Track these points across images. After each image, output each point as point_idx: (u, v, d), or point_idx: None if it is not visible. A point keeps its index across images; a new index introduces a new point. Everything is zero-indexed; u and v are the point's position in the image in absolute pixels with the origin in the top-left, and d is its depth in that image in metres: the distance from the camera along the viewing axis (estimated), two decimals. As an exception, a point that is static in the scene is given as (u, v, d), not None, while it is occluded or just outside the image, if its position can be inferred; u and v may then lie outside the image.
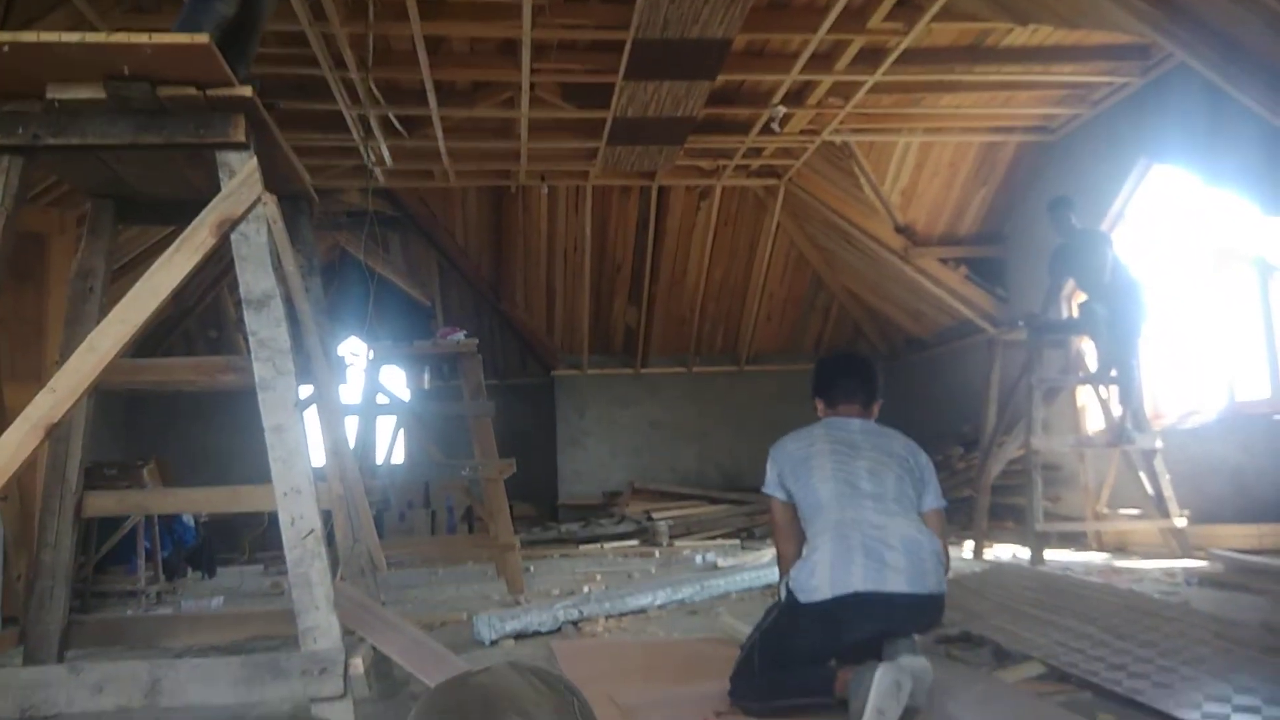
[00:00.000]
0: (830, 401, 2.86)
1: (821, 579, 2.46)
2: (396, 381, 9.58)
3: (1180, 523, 5.47)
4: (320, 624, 2.18)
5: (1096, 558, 5.69)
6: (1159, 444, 5.62)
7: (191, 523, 6.43)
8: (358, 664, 2.21)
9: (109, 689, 2.07)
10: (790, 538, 2.74)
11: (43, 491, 2.80)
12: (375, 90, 5.89)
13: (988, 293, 8.21)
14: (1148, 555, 5.60)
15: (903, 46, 5.71)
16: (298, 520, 2.21)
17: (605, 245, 9.13)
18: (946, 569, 2.60)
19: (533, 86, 6.01)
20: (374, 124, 6.35)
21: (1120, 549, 5.99)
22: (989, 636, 3.19)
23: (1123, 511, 6.08)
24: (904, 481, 2.64)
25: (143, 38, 2.14)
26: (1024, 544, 5.73)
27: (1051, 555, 5.57)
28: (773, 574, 5.24)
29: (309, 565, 2.20)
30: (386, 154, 6.86)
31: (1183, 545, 5.44)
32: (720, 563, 6.36)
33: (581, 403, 10.16)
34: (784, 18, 5.52)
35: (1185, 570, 4.81)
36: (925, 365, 9.59)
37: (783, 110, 6.53)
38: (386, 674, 2.92)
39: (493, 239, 9.39)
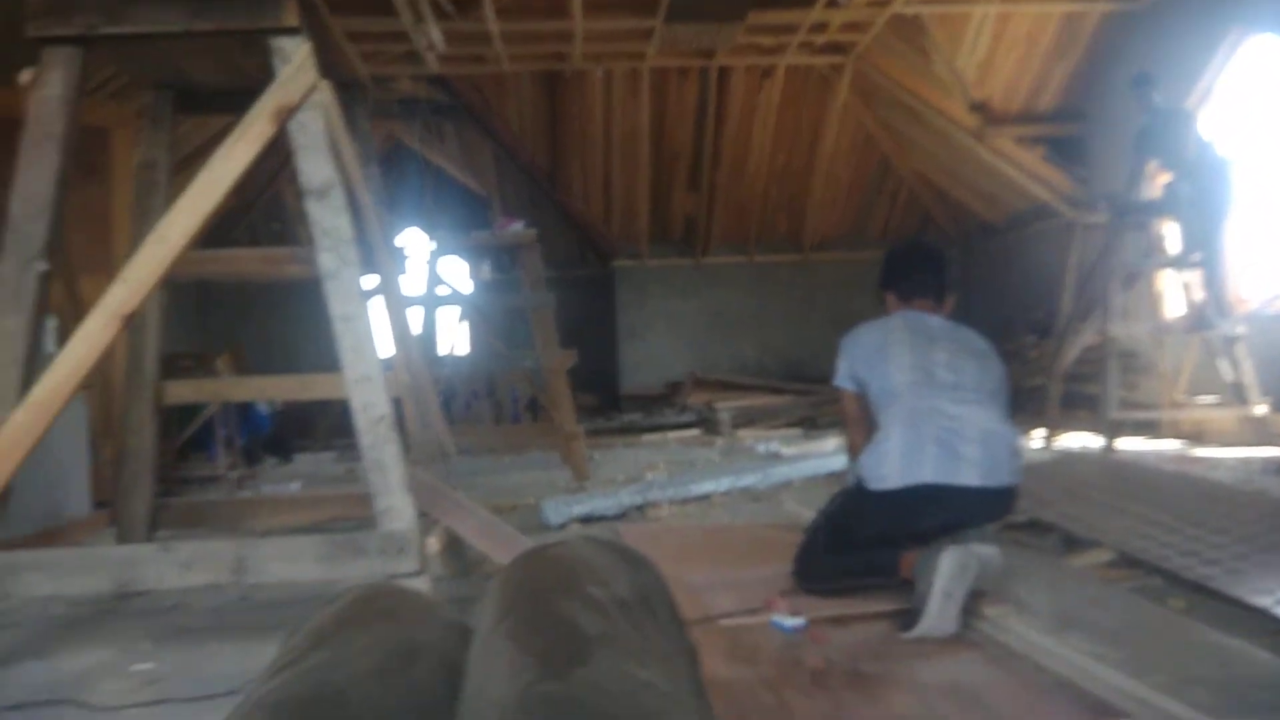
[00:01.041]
0: (904, 295, 2.74)
1: (891, 468, 2.42)
2: (457, 273, 9.64)
3: (1260, 410, 5.31)
4: (396, 505, 2.24)
5: (1171, 446, 5.57)
6: (1241, 330, 5.40)
7: (266, 411, 6.65)
8: (433, 543, 2.29)
9: (197, 566, 2.17)
10: (861, 429, 2.69)
11: (124, 381, 2.90)
12: (425, -30, 5.73)
13: (1066, 173, 7.85)
14: (1225, 444, 5.46)
15: (982, -93, 5.34)
16: (369, 406, 2.25)
17: (663, 131, 8.92)
18: None
19: (587, -39, 5.79)
20: (425, 7, 6.19)
21: (1196, 437, 5.85)
22: (1057, 524, 3.16)
23: (1200, 399, 5.91)
24: (984, 372, 2.55)
25: (190, -82, 2.09)
26: (1096, 432, 5.63)
27: (1125, 444, 5.47)
28: (836, 462, 5.25)
29: (382, 449, 2.25)
30: (438, 38, 6.70)
31: (1261, 433, 5.28)
32: (783, 451, 6.40)
33: (641, 294, 10.12)
34: (854, -122, 5.18)
35: (1264, 459, 4.69)
36: (998, 251, 9.30)
37: (848, -19, 6.20)
38: (460, 555, 3.02)
39: (548, 127, 9.23)
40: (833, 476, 5.02)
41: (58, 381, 2.16)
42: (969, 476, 2.38)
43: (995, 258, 9.32)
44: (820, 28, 7.24)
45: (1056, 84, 7.69)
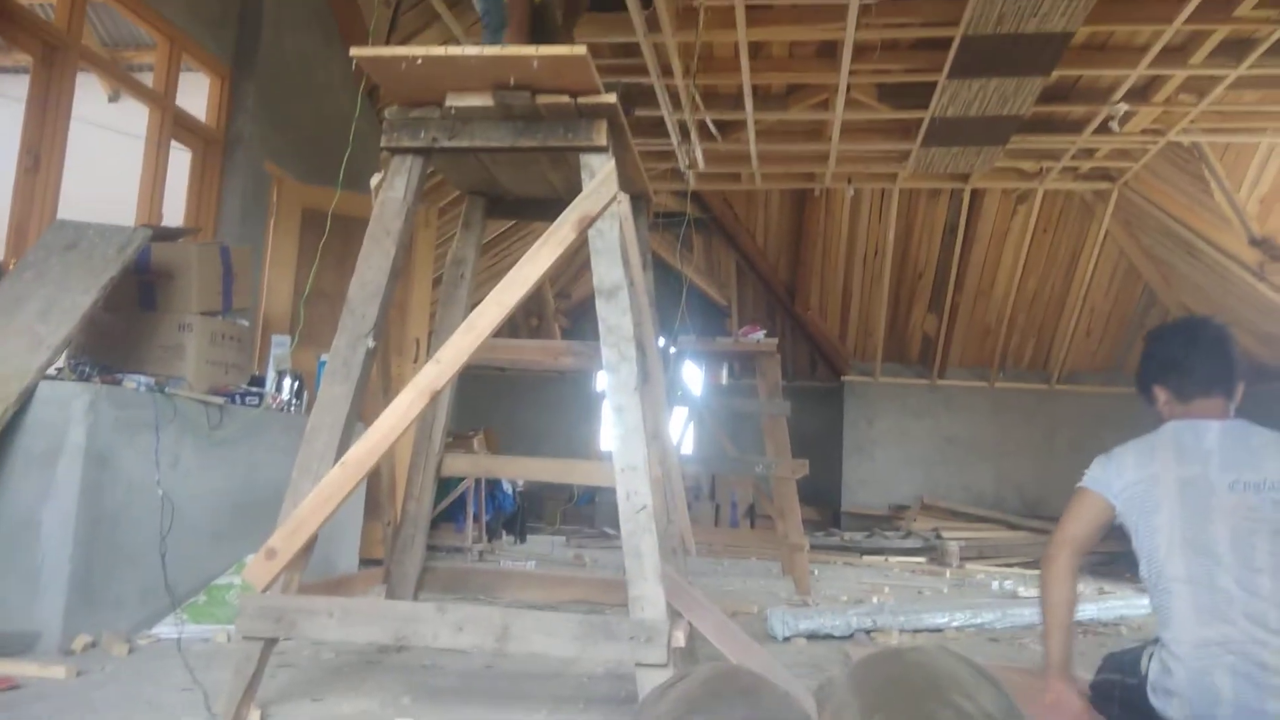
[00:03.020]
0: (1182, 394, 2.14)
1: (1175, 702, 1.97)
2: (692, 375, 9.90)
3: None
4: (648, 594, 2.32)
5: None
6: None
7: (511, 491, 7.05)
8: (679, 636, 2.33)
9: (468, 629, 2.32)
10: (1079, 543, 2.16)
11: (413, 450, 3.21)
12: (696, 96, 6.12)
13: (1366, 318, 7.07)
14: None
15: (1275, 37, 5.07)
16: (633, 495, 2.37)
17: (908, 250, 8.88)
18: None
19: (849, 88, 5.97)
20: (691, 128, 6.61)
21: None
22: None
23: None
24: None
25: (530, 51, 2.40)
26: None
27: None
28: (1082, 611, 4.83)
29: (640, 538, 2.35)
30: (700, 157, 7.11)
31: None
32: (1020, 591, 5.99)
33: (871, 411, 9.94)
34: (1134, 7, 5.08)
35: None
36: (1273, 397, 8.41)
37: (1124, 108, 6.01)
38: (691, 651, 3.06)
39: (792, 241, 9.43)
40: (1081, 626, 4.65)
41: (371, 445, 2.44)
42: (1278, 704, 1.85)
43: (1270, 404, 8.42)
44: (1087, 153, 7.03)
45: (1359, 220, 7.01)
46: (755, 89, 6.08)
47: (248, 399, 3.61)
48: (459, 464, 3.30)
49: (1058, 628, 2.18)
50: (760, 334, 5.89)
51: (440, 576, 3.30)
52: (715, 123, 6.63)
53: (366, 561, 4.53)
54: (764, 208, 9.23)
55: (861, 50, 5.55)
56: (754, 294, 10.30)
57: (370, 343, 2.56)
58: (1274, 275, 7.21)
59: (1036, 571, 7.41)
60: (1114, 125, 6.22)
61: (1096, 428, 9.06)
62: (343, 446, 2.49)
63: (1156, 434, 2.14)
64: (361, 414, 2.63)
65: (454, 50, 2.44)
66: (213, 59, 4.72)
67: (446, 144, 2.62)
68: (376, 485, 4.22)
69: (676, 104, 6.25)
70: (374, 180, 2.71)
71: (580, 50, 2.35)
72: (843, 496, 9.81)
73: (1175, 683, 1.96)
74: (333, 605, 2.39)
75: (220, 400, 3.49)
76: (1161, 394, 2.19)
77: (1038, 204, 8.07)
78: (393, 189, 2.66)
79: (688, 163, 7.08)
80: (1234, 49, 5.35)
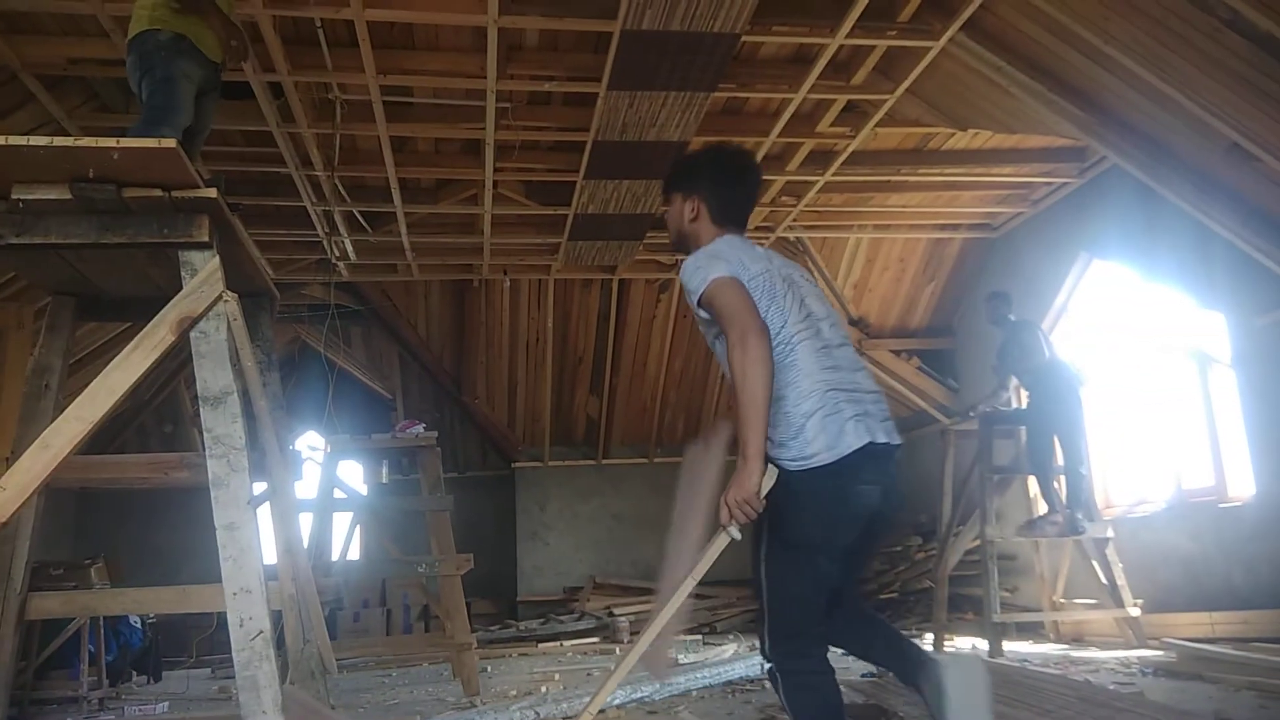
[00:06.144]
0: (724, 214, 2.41)
1: (815, 444, 2.19)
2: (354, 475, 9.46)
3: (1134, 612, 5.53)
4: (267, 728, 2.13)
5: (1054, 649, 5.70)
6: (1110, 533, 5.71)
7: (138, 624, 6.21)
8: (305, 770, 2.16)
9: (44, 800, 2.00)
10: (759, 318, 2.18)
11: (-15, 593, 2.73)
12: (340, 188, 6.00)
13: (940, 383, 8.40)
14: (1105, 645, 5.63)
15: (850, 149, 5.98)
16: (247, 621, 2.19)
17: (567, 337, 9.22)
18: None
19: (496, 184, 6.16)
20: (338, 220, 6.45)
21: (1078, 639, 6.02)
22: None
23: (1079, 601, 6.13)
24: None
25: (110, 142, 2.21)
26: (984, 635, 5.73)
27: (1010, 646, 5.58)
28: (734, 670, 5.15)
29: (257, 668, 2.17)
30: (350, 249, 6.94)
31: (1137, 635, 5.48)
32: (680, 659, 6.28)
33: (543, 495, 10.07)
34: (738, 122, 5.76)
35: (1140, 660, 4.85)
36: (925, 441, 9.66)
37: (738, 208, 6.74)
38: (335, 780, 2.85)
39: (455, 331, 9.43)
40: (729, 685, 4.95)
41: (-89, 595, 2.05)
42: (879, 433, 2.23)
43: (922, 447, 9.67)
44: (712, 248, 7.76)
45: (927, 302, 8.38)
46: (403, 182, 6.08)
47: None
48: (48, 605, 2.86)
49: (765, 413, 2.18)
50: (419, 427, 5.76)
51: (26, 739, 2.81)
52: (364, 214, 6.53)
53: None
54: (424, 298, 9.16)
55: (504, 149, 5.76)
56: (420, 386, 10.12)
57: (-88, 472, 2.17)
58: (870, 350, 8.38)
59: (698, 638, 7.76)
60: (732, 223, 6.95)
61: (744, 495, 9.85)
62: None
63: (730, 240, 2.35)
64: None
65: (17, 139, 2.19)
66: None
67: (14, 240, 2.34)
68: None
69: (320, 195, 6.09)
70: (-81, 282, 2.33)
71: (169, 143, 2.22)
72: (519, 585, 9.76)
73: (811, 418, 2.18)
74: None
75: None
76: (699, 207, 2.41)
77: (676, 292, 8.76)
78: (-55, 292, 2.31)
79: (336, 254, 6.89)
80: (820, 159, 6.22)
